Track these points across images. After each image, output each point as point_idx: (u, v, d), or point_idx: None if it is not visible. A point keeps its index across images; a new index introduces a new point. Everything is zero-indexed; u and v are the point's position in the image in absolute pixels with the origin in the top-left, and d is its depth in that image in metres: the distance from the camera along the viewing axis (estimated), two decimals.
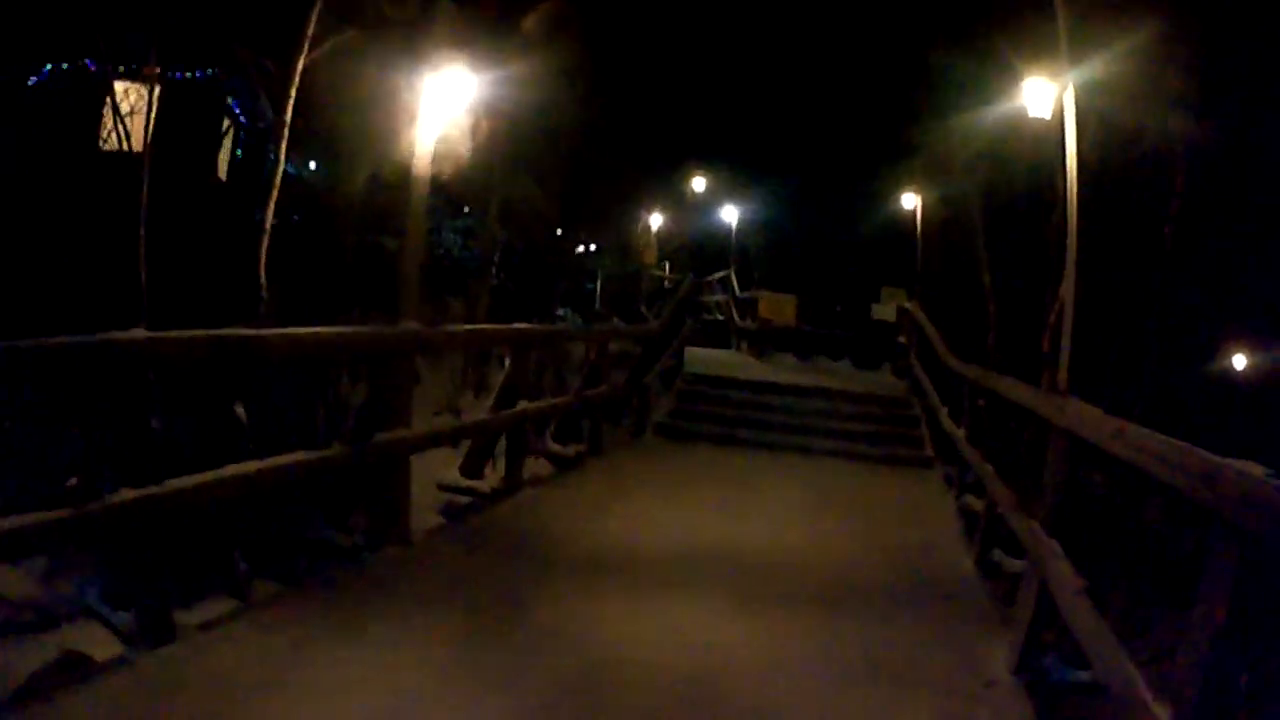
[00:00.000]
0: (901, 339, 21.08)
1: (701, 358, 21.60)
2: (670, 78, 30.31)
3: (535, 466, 12.71)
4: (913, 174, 22.67)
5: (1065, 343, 6.85)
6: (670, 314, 18.46)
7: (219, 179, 24.81)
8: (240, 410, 7.84)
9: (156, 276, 13.80)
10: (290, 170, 30.34)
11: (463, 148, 14.82)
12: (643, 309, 24.31)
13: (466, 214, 30.63)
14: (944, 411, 13.77)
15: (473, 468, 11.03)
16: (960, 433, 11.81)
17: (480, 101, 11.77)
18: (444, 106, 9.09)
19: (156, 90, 16.20)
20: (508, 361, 11.60)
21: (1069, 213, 6.99)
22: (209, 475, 6.10)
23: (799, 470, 13.80)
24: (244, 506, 7.28)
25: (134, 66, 20.05)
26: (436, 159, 9.76)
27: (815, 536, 9.98)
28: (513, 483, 10.93)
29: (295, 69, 12.66)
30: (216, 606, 6.35)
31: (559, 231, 28.23)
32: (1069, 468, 6.38)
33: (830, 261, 38.57)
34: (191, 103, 22.44)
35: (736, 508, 11.03)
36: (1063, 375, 6.87)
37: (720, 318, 29.77)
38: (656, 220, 35.71)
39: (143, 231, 13.80)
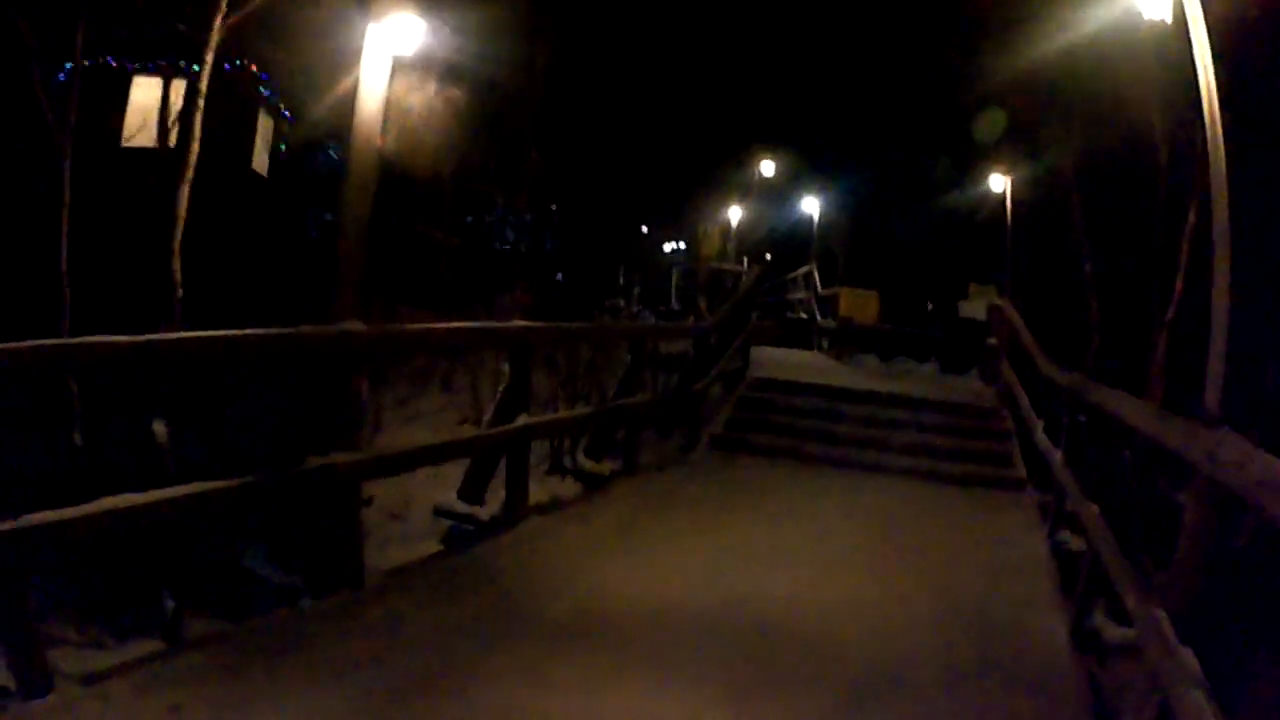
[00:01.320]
0: (992, 340, 18.85)
1: (775, 359, 20.07)
2: (741, 58, 28.62)
3: (560, 487, 11.88)
4: (1000, 151, 20.59)
5: (1218, 348, 4.62)
6: (730, 310, 16.48)
7: (257, 174, 24.26)
8: (160, 428, 7.59)
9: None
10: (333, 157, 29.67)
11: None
12: (702, 306, 22.30)
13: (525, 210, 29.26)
14: (1039, 426, 11.69)
15: (471, 491, 9.80)
16: (1057, 454, 9.75)
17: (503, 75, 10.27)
18: (389, 59, 7.45)
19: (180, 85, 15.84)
20: (507, 367, 9.78)
21: (1212, 165, 4.88)
22: (71, 511, 5.06)
23: (865, 493, 11.84)
24: (176, 537, 7.11)
25: (157, 62, 20.24)
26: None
27: (867, 588, 7.97)
28: (513, 510, 9.17)
29: (213, 31, 11.54)
30: (141, 647, 6.20)
31: (624, 224, 26.73)
32: (1216, 538, 4.32)
33: (916, 255, 36.22)
34: (218, 96, 20.89)
35: (777, 547, 9.08)
36: (1213, 397, 4.67)
37: (804, 316, 28.26)
38: (735, 213, 34.11)
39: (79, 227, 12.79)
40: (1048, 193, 17.44)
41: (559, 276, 26.64)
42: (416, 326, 8.99)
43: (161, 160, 14.88)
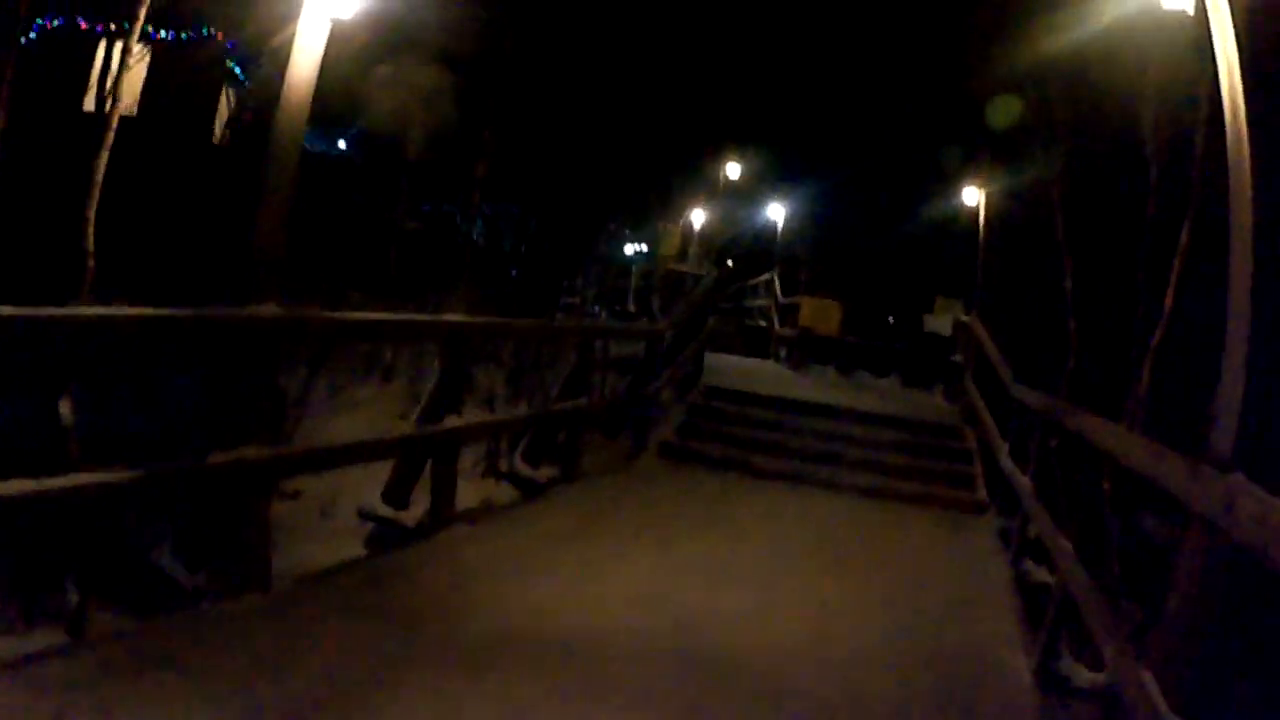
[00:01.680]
0: (957, 357, 18.37)
1: (731, 367, 19.72)
2: (710, 55, 28.05)
3: (495, 492, 11.52)
4: (977, 164, 20.00)
5: (1234, 376, 3.94)
6: (685, 313, 15.83)
7: (217, 143, 23.71)
8: (66, 408, 7.34)
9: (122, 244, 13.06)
10: (317, 148, 29.16)
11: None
12: (655, 307, 21.63)
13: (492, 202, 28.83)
14: (1004, 449, 11.15)
15: (396, 493, 8.97)
16: (1025, 482, 9.18)
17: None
18: (328, 22, 6.77)
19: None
20: (436, 364, 9.12)
21: (1233, 165, 4.24)
22: None
23: (818, 512, 11.22)
24: (81, 525, 6.71)
25: (125, 25, 18.32)
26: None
27: (816, 614, 7.37)
28: (439, 517, 8.52)
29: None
30: (46, 636, 5.98)
31: (585, 222, 26.14)
32: (1224, 599, 3.72)
33: (881, 266, 35.57)
34: (182, 64, 21.33)
35: (724, 565, 8.44)
36: (1225, 437, 4.01)
37: (763, 324, 28.02)
38: (699, 216, 33.56)
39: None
40: (1027, 207, 16.78)
41: (513, 272, 25.96)
42: (338, 315, 8.12)
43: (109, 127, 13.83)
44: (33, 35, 20.23)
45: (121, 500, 6.14)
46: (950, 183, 22.53)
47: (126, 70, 12.24)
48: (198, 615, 6.05)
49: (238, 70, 23.74)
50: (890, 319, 28.40)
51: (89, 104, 20.11)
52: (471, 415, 10.71)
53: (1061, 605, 6.41)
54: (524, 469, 11.35)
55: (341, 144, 34.46)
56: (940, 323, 22.31)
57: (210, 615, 5.99)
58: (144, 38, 18.67)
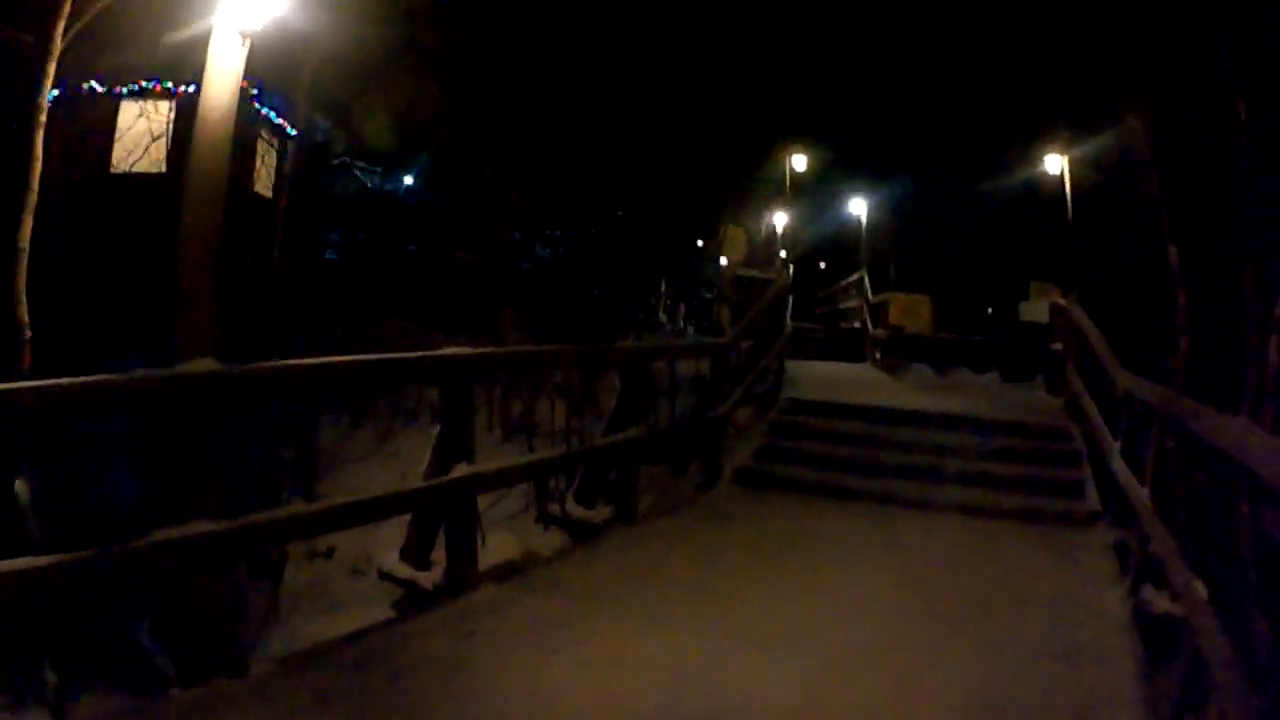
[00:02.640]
0: (1056, 345, 16.85)
1: (819, 375, 18.26)
2: (768, 44, 26.94)
3: (540, 540, 10.40)
4: (1055, 126, 18.52)
5: None
6: (753, 321, 14.58)
7: (260, 196, 23.41)
8: (22, 487, 7.08)
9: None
10: (384, 187, 29.00)
11: None
12: (723, 318, 20.28)
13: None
14: (1115, 449, 9.81)
15: (415, 552, 8.39)
16: (1142, 494, 7.89)
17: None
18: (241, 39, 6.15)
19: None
20: (436, 394, 8.20)
21: None
22: None
23: (909, 539, 9.94)
24: (51, 606, 6.48)
25: (142, 85, 20.54)
26: None
27: (893, 694, 6.05)
28: (458, 578, 7.56)
29: (54, 36, 10.09)
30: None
31: (666, 235, 25.14)
32: None
33: (970, 253, 33.89)
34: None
35: (786, 626, 7.16)
36: None
37: (856, 326, 26.61)
38: (781, 219, 32.37)
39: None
40: (1114, 171, 15.27)
41: (595, 292, 24.98)
42: (292, 364, 6.94)
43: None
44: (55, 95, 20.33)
45: (80, 582, 5.42)
46: (1031, 153, 21.01)
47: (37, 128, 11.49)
48: (164, 703, 5.50)
49: (273, 115, 23.60)
50: (989, 310, 26.68)
51: (116, 165, 20.50)
52: (518, 453, 9.75)
53: (1193, 662, 5.14)
54: (577, 511, 10.45)
55: (408, 180, 33.99)
56: (1037, 310, 20.59)
57: (176, 703, 5.46)
58: (165, 94, 19.63)
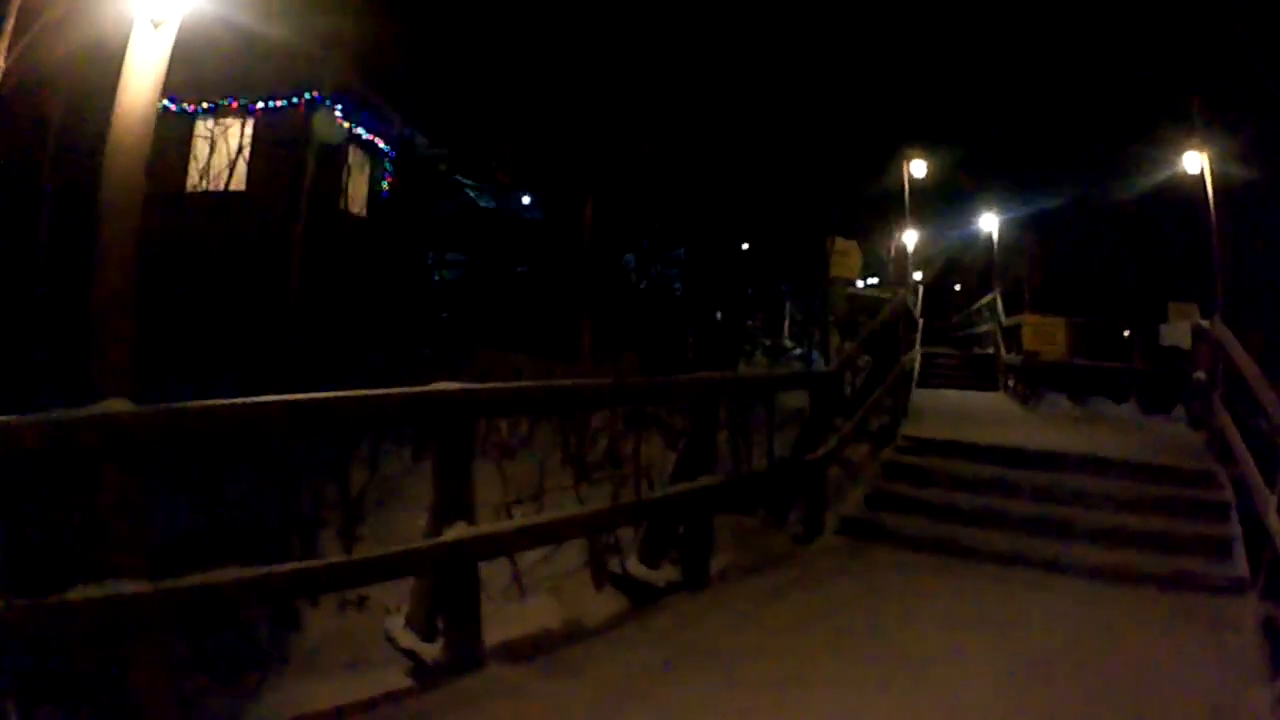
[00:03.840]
0: (1199, 374, 15.37)
1: (947, 407, 17.63)
2: (888, 42, 25.78)
3: (593, 603, 8.92)
4: (1191, 118, 16.93)
5: None
6: (863, 348, 13.43)
7: (353, 215, 22.96)
8: None
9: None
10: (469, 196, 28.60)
11: None
12: (832, 344, 18.90)
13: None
14: (1274, 503, 8.49)
15: (420, 618, 7.12)
16: None
17: None
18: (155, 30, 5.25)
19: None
20: (436, 443, 7.06)
21: None
22: None
23: (1031, 616, 8.55)
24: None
25: (215, 104, 20.47)
26: None
27: None
28: (457, 656, 6.67)
29: None
30: None
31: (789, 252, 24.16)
32: None
33: (1107, 271, 32.01)
34: (286, 132, 20.55)
35: None
36: None
37: (990, 351, 25.75)
38: (911, 237, 31.10)
39: None
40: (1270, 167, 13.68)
41: (716, 316, 24.01)
42: (225, 404, 5.73)
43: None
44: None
45: None
46: (1169, 152, 19.38)
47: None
48: None
49: (361, 131, 23.03)
50: (1125, 333, 25.01)
51: (192, 184, 20.27)
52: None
53: None
54: (638, 570, 9.07)
55: (526, 199, 33.38)
56: (1178, 333, 19.05)
57: None
58: (241, 111, 19.64)
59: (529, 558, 9.50)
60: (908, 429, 13.90)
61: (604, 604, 8.88)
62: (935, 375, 24.16)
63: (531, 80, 22.91)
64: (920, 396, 18.15)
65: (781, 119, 20.34)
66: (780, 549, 10.60)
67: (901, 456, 12.90)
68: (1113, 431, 15.29)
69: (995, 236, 32.53)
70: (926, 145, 28.61)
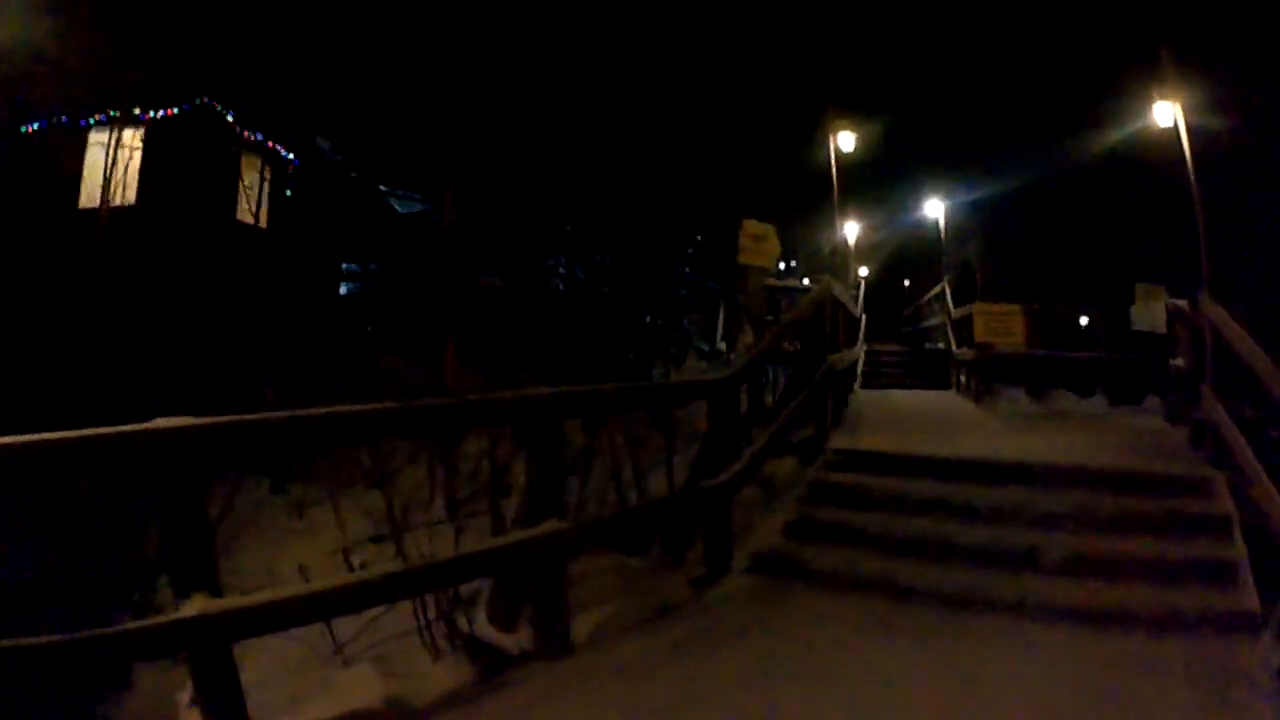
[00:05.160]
0: (1177, 361, 13.39)
1: (890, 410, 15.87)
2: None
3: (431, 677, 6.90)
4: (1160, 59, 14.71)
5: None
6: (767, 350, 11.08)
7: (247, 224, 21.62)
8: None
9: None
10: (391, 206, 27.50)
11: None
12: (742, 345, 16.31)
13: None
14: None
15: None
16: None
17: None
18: None
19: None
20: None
21: None
22: None
23: (992, 681, 6.44)
24: None
25: (107, 115, 19.45)
26: None
27: None
28: None
29: None
30: None
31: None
32: None
33: (1065, 253, 29.80)
34: (183, 143, 19.99)
35: None
36: None
37: (941, 346, 24.26)
38: (852, 229, 29.12)
39: None
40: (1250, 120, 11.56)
41: (647, 319, 21.97)
42: None
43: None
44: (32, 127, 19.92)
45: None
46: (1132, 112, 17.29)
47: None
48: None
49: (259, 138, 21.97)
50: (1083, 320, 22.89)
51: (86, 200, 19.53)
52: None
53: None
54: (487, 632, 7.20)
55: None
56: (1151, 316, 16.85)
57: None
58: (131, 121, 18.78)
59: (364, 613, 7.44)
60: (840, 440, 11.79)
61: (442, 675, 6.94)
62: (881, 375, 22.92)
63: (406, 64, 21.17)
64: (863, 400, 16.74)
65: (682, 87, 18.44)
66: (675, 596, 8.47)
67: (830, 474, 10.74)
68: (1082, 431, 13.25)
69: (942, 223, 30.80)
70: (861, 116, 26.34)
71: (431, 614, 7.55)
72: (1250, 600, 7.61)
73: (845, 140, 25.74)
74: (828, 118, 24.89)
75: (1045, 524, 9.00)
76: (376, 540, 9.55)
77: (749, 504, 10.14)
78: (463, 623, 7.36)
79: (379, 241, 27.72)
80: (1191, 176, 13.72)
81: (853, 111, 25.81)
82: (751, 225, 12.44)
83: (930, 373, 23.19)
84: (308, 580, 8.01)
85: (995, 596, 7.99)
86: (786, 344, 12.98)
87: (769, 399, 12.09)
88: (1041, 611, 7.73)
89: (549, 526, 6.98)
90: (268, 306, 18.75)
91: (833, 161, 24.87)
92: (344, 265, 26.35)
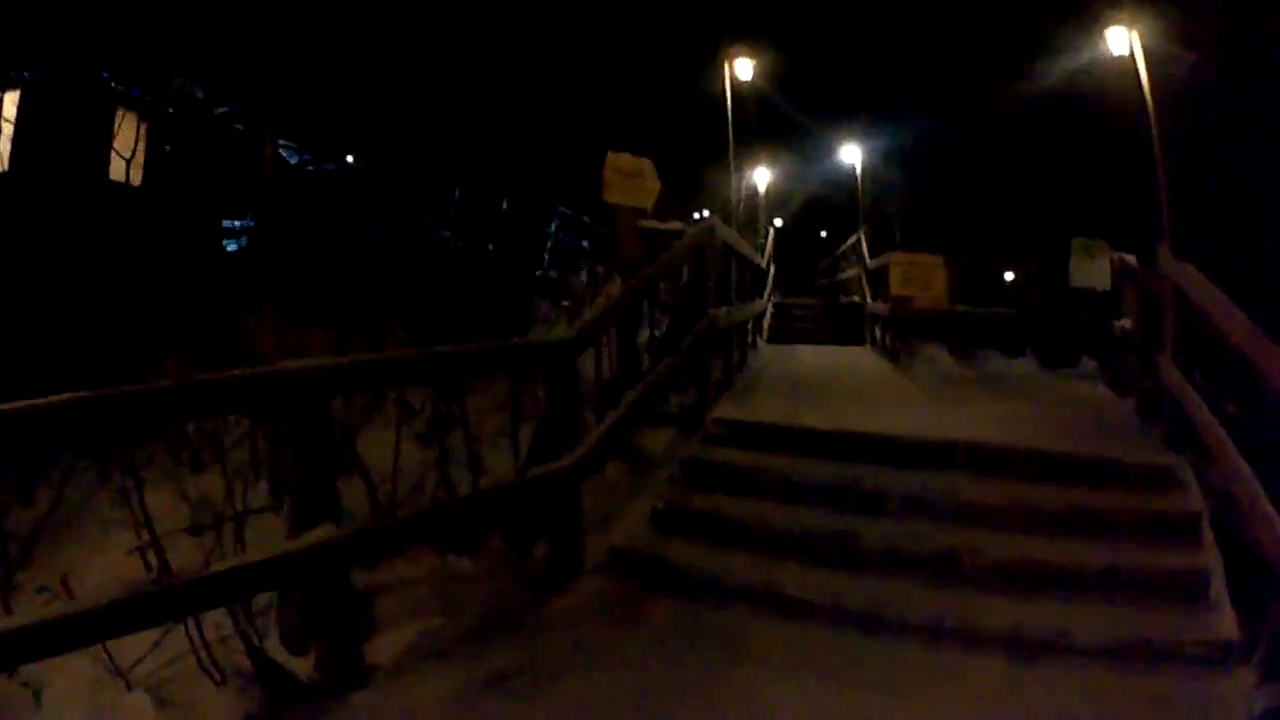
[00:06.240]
0: (1123, 323, 11.85)
1: (795, 370, 14.17)
2: None
3: (213, 706, 5.57)
4: None
5: None
6: (616, 308, 8.98)
7: (125, 183, 20.26)
8: None
9: None
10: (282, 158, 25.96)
11: None
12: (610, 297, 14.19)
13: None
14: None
15: None
16: None
17: None
18: None
19: None
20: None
21: None
22: None
23: None
24: None
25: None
26: None
27: None
28: None
29: None
30: None
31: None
32: None
33: (995, 203, 28.22)
34: (60, 103, 18.55)
35: None
36: None
37: (856, 300, 22.77)
38: (763, 176, 27.52)
39: None
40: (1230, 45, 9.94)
41: (543, 272, 20.52)
42: None
43: None
44: None
45: None
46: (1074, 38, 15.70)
47: None
48: None
49: (136, 92, 20.50)
50: (1009, 276, 21.33)
51: None
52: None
53: None
54: (279, 654, 5.74)
55: (350, 159, 29.86)
56: (1093, 272, 15.09)
57: None
58: (6, 83, 17.76)
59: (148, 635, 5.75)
60: (726, 408, 9.94)
61: (226, 706, 5.59)
62: (791, 330, 22.04)
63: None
64: (766, 358, 15.40)
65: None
66: (509, 606, 6.73)
67: (711, 450, 8.93)
68: (1014, 399, 11.52)
69: (859, 169, 29.45)
70: (767, 46, 24.50)
71: (224, 631, 6.00)
72: (1224, 623, 6.05)
73: (743, 68, 23.80)
74: (723, 44, 22.91)
75: (971, 519, 7.31)
76: (195, 532, 7.66)
77: (614, 486, 8.49)
78: (254, 641, 5.81)
79: (264, 194, 26.13)
80: (1152, 115, 12.02)
81: (757, 40, 24.06)
82: (619, 159, 10.36)
83: (844, 328, 21.90)
84: (71, 593, 6.28)
85: (909, 615, 6.30)
86: (666, 295, 11.26)
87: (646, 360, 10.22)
88: (964, 636, 6.09)
89: (317, 535, 5.30)
90: (143, 267, 17.10)
91: (728, 93, 22.82)
92: (225, 222, 24.63)
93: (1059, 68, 18.79)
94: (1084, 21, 14.58)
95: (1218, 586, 6.38)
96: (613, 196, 10.29)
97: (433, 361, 6.66)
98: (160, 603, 4.74)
